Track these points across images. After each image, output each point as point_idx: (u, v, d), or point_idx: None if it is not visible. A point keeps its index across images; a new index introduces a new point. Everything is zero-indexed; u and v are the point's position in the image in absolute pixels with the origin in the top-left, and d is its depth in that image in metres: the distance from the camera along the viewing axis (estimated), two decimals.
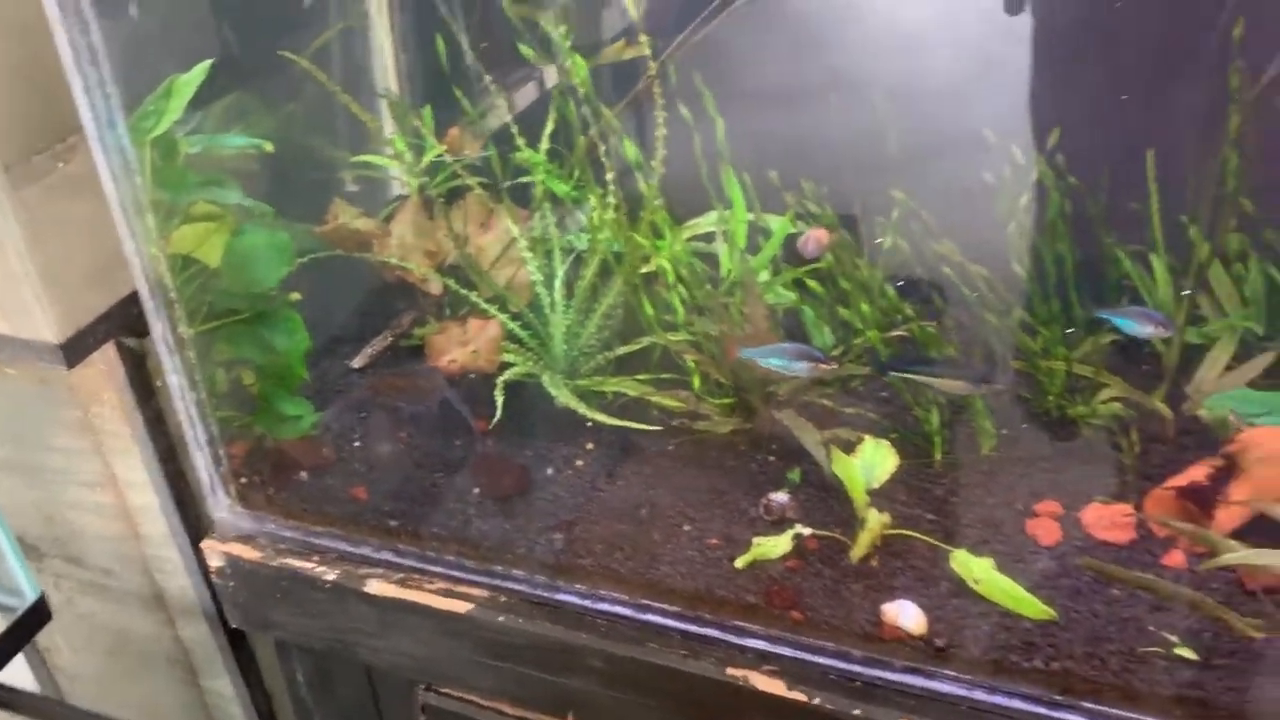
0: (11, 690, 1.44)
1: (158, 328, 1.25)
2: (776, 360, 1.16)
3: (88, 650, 1.72)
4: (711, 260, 1.42)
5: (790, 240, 1.35)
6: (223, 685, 1.64)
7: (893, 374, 1.27)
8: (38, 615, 1.45)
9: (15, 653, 1.43)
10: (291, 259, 1.18)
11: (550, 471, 1.35)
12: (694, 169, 1.36)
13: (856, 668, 1.12)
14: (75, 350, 1.25)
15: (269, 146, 1.17)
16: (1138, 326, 1.18)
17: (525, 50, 1.30)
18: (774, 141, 1.46)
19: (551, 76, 1.47)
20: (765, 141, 1.48)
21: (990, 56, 1.46)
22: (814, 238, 1.18)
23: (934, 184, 1.39)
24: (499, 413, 1.29)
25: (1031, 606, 1.11)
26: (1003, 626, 1.12)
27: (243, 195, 1.16)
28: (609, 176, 1.28)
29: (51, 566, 1.63)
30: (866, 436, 1.23)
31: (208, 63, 1.10)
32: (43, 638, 1.72)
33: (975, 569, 1.14)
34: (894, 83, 1.42)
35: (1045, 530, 1.21)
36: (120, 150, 1.14)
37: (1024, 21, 1.39)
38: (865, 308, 1.27)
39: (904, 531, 1.21)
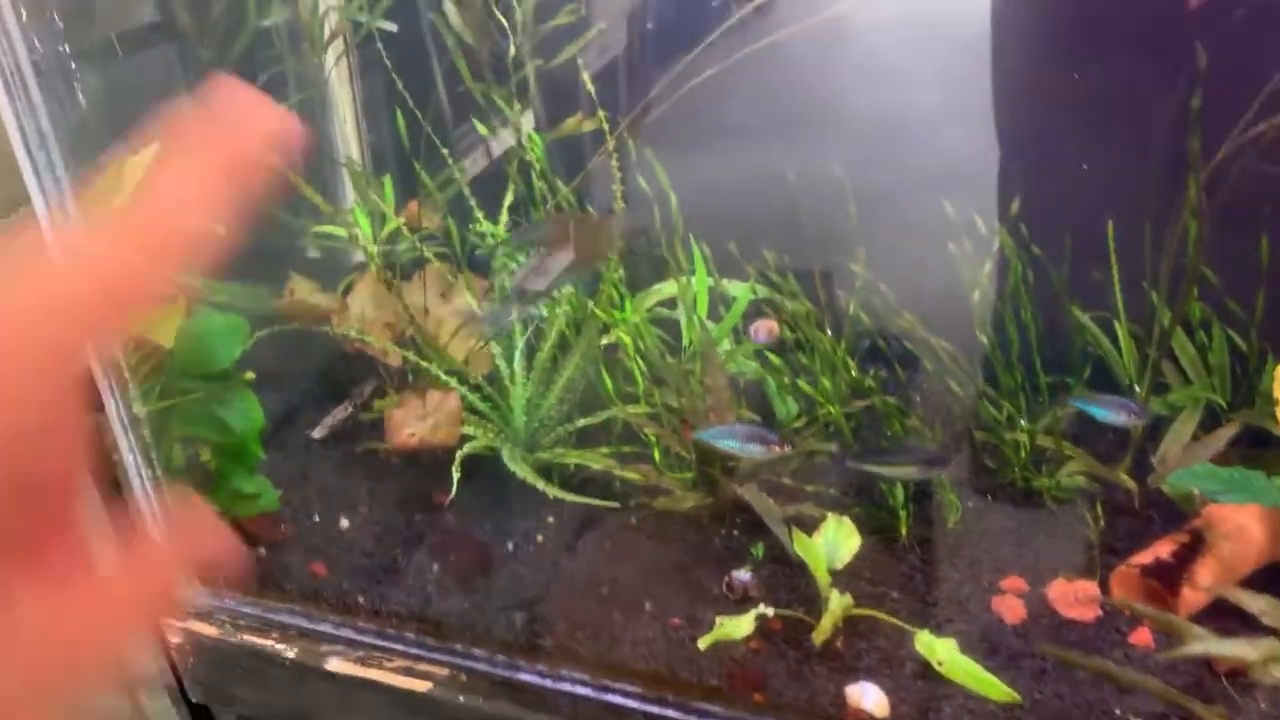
0: None
1: (111, 405, 1.23)
2: (730, 442, 1.14)
3: None
4: (673, 327, 1.42)
5: (751, 313, 1.34)
6: None
7: (850, 465, 1.27)
8: None
9: None
10: (245, 340, 1.17)
11: (510, 547, 1.34)
12: (659, 231, 1.35)
13: None
14: None
15: (221, 230, 1.15)
16: (1112, 415, 1.17)
17: (480, 127, 1.30)
18: (744, 190, 1.45)
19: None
20: (736, 189, 1.47)
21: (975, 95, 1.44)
22: (764, 327, 1.17)
23: (901, 243, 1.38)
24: (454, 489, 1.28)
25: (995, 689, 1.09)
26: (966, 709, 1.10)
27: (194, 274, 1.15)
28: None
29: None
30: (830, 514, 1.22)
31: (157, 145, 1.09)
32: None
33: (939, 650, 1.12)
34: (868, 127, 1.41)
35: (1010, 608, 1.20)
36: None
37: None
38: (827, 383, 1.26)
39: (868, 611, 1.19)
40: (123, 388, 1.22)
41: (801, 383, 1.28)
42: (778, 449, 1.12)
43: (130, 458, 1.27)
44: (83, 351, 0.28)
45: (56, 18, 1.03)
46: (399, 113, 1.31)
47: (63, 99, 1.08)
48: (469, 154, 1.51)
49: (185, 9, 1.32)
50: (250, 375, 1.21)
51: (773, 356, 1.32)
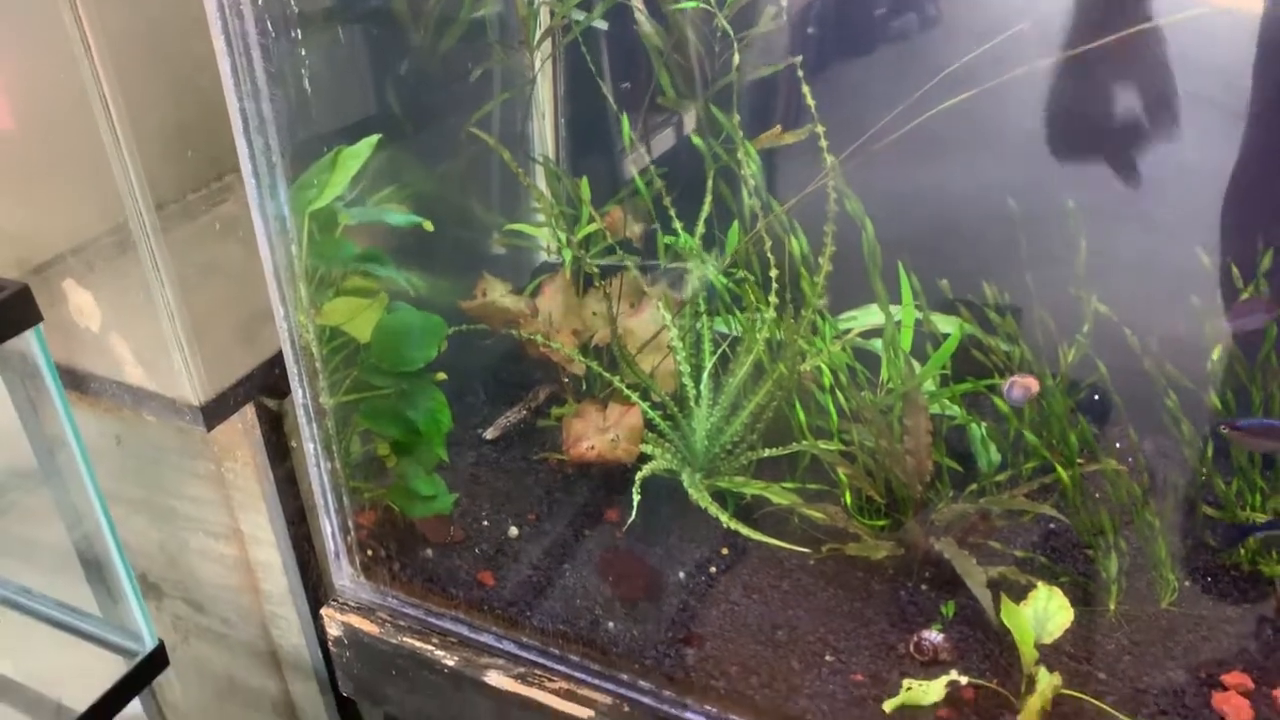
0: None
1: (299, 395, 1.22)
2: None
3: (198, 691, 1.71)
4: (868, 358, 1.33)
5: (961, 353, 1.25)
6: None
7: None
8: (155, 663, 1.43)
9: (131, 698, 1.41)
10: (442, 340, 1.14)
11: (682, 575, 1.28)
12: (851, 252, 1.27)
13: None
14: (215, 412, 1.23)
15: (429, 225, 1.12)
16: None
17: (696, 140, 1.24)
18: (956, 213, 1.36)
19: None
20: (944, 210, 1.38)
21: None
22: (1021, 385, 1.08)
23: (1135, 284, 1.26)
24: (634, 513, 1.22)
25: None
26: None
27: (397, 270, 1.12)
28: (773, 274, 1.21)
29: (172, 607, 1.63)
30: (1040, 583, 1.12)
31: (374, 139, 1.06)
32: None
33: None
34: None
35: (1235, 708, 1.09)
36: (280, 218, 1.11)
37: None
38: (1073, 438, 1.16)
39: (1074, 693, 1.09)
40: (312, 377, 1.20)
41: (1030, 435, 1.18)
42: None
43: (310, 447, 1.25)
44: None
45: (293, 2, 1.01)
46: (623, 115, 1.26)
47: (287, 83, 1.05)
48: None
49: None
50: (442, 376, 1.18)
51: (1000, 404, 1.21)
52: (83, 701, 1.38)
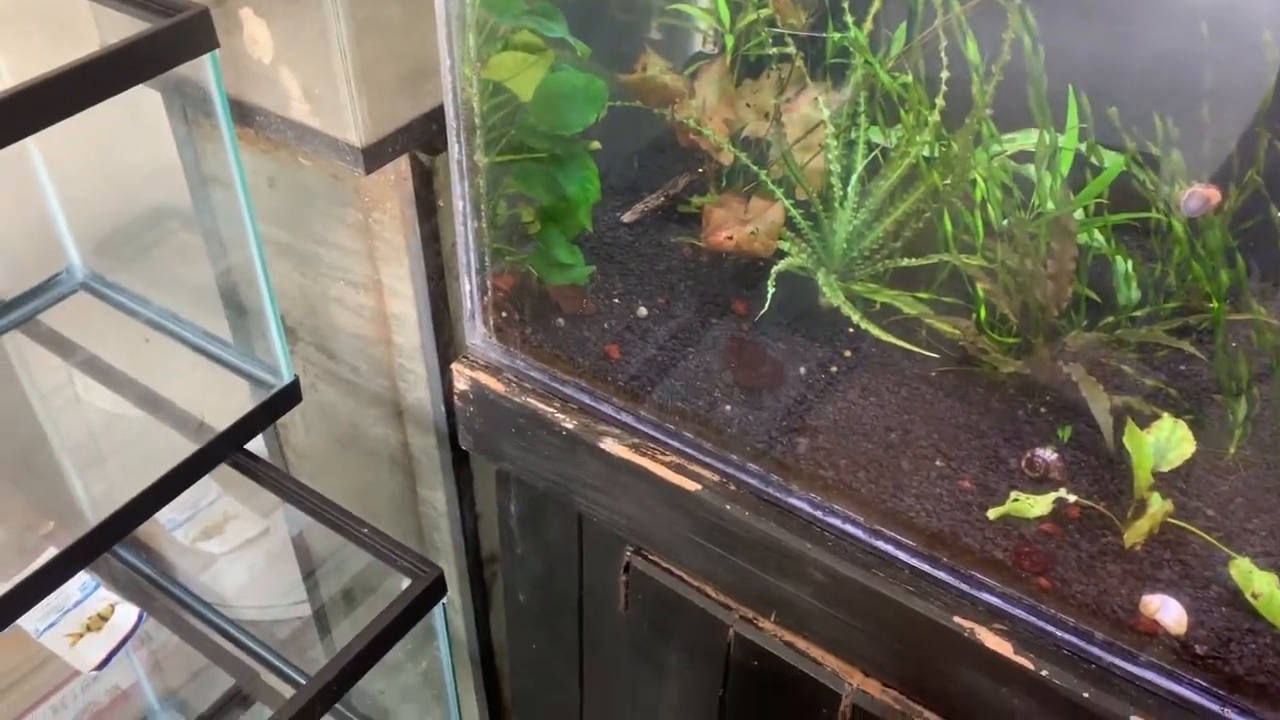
0: (255, 459, 1.55)
1: (455, 149, 1.24)
2: None
3: (320, 435, 1.82)
4: (1022, 183, 1.31)
5: (1119, 183, 1.22)
6: (437, 498, 1.71)
7: None
8: (288, 397, 1.53)
9: (264, 428, 1.52)
10: (603, 106, 1.14)
11: (803, 371, 1.31)
12: (1014, 82, 1.23)
13: (1096, 650, 1.06)
14: (375, 157, 1.27)
15: None
16: None
17: None
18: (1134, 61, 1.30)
19: None
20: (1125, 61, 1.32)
21: None
22: (1201, 195, 1.05)
23: None
24: (767, 303, 1.24)
25: None
26: (1274, 649, 1.03)
27: (567, 30, 1.12)
28: (944, 75, 1.18)
29: (303, 351, 1.72)
30: (1165, 413, 1.13)
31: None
32: None
33: (1257, 581, 1.04)
34: None
35: None
36: None
37: None
38: (1225, 276, 1.13)
39: (1180, 523, 1.11)
40: (470, 133, 1.22)
41: (1195, 264, 1.16)
42: None
43: (460, 204, 1.29)
44: None
45: None
46: None
47: None
48: None
49: None
50: (596, 145, 1.20)
51: (1177, 227, 1.17)
52: (221, 422, 1.49)
